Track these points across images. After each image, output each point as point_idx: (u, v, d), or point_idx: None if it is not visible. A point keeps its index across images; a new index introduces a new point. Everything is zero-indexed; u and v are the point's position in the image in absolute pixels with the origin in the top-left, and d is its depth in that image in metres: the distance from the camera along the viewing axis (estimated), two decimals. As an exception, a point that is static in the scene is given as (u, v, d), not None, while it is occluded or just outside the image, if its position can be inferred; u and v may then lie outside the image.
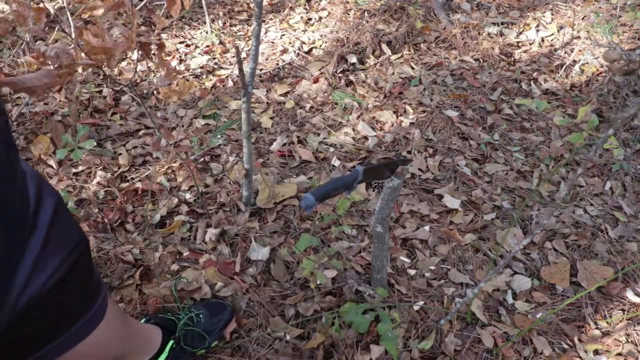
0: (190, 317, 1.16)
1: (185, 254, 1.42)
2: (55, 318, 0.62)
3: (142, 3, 1.99)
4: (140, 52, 1.05)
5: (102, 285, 0.73)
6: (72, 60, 0.84)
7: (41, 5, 0.93)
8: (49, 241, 0.56)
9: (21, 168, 0.55)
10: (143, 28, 2.51)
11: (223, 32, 2.61)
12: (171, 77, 1.09)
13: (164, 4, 2.76)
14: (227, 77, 2.27)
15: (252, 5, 2.88)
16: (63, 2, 2.19)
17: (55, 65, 0.85)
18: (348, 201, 1.50)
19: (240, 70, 1.13)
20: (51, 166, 1.66)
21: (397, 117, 2.05)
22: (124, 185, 1.63)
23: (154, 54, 1.05)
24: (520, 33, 2.71)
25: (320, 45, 2.52)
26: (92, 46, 0.90)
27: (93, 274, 0.70)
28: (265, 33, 2.64)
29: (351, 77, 2.29)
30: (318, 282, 1.34)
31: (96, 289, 0.71)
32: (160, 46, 1.07)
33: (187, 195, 1.61)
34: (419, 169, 1.80)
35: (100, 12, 0.95)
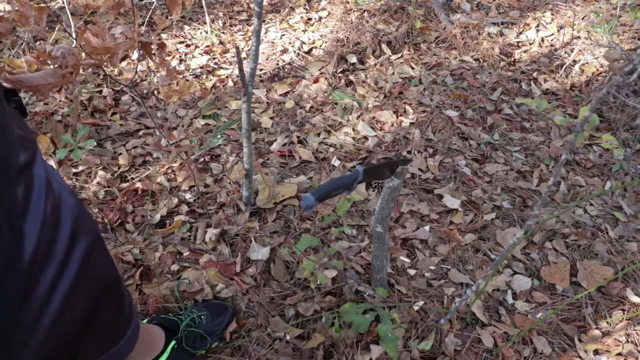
0: (192, 318, 1.17)
1: (185, 254, 1.42)
2: (83, 347, 0.63)
3: (143, 3, 1.99)
4: (140, 51, 1.05)
5: (133, 317, 0.73)
6: (77, 60, 0.84)
7: (42, 5, 0.93)
8: (79, 280, 0.56)
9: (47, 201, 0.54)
10: (144, 28, 2.51)
11: (223, 32, 2.61)
12: (172, 77, 1.09)
13: (163, 4, 2.76)
14: (227, 77, 2.27)
15: (252, 5, 2.88)
16: (63, 2, 2.19)
17: (57, 65, 0.85)
18: (348, 202, 1.50)
19: (241, 70, 1.13)
20: (51, 166, 1.66)
21: (397, 117, 2.05)
22: (124, 185, 1.63)
23: (154, 54, 1.05)
24: (520, 33, 2.71)
25: (320, 45, 2.52)
26: (94, 46, 0.90)
27: (123, 306, 0.71)
28: (265, 33, 2.64)
29: (351, 77, 2.29)
30: (318, 283, 1.34)
31: (126, 321, 0.72)
32: (161, 46, 1.07)
33: (187, 195, 1.61)
34: (419, 169, 1.80)
35: (101, 10, 0.95)
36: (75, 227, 0.57)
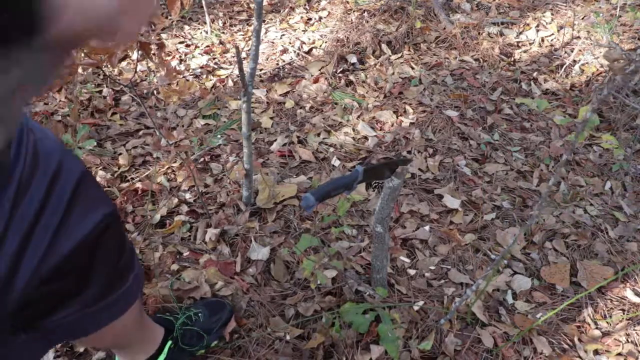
0: (188, 316, 1.17)
1: (185, 254, 1.42)
2: (83, 285, 0.63)
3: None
4: (140, 51, 1.05)
5: (134, 263, 0.74)
6: (72, 61, 0.84)
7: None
8: (71, 211, 0.57)
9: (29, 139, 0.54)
10: (143, 28, 2.51)
11: (223, 32, 2.61)
12: (171, 77, 1.09)
13: (163, 4, 2.76)
14: (227, 77, 2.27)
15: (252, 5, 2.88)
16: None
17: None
18: (348, 202, 1.50)
19: (241, 70, 1.13)
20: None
21: (397, 117, 2.05)
22: (124, 185, 1.63)
23: (154, 54, 1.05)
24: (520, 33, 2.71)
25: (320, 45, 2.52)
26: (92, 46, 0.90)
27: (125, 249, 0.71)
28: (265, 33, 2.64)
29: (351, 77, 2.29)
30: (318, 282, 1.34)
31: (129, 265, 0.72)
32: (161, 46, 1.07)
33: (187, 195, 1.61)
34: (419, 169, 1.80)
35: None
36: (59, 165, 0.57)
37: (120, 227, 0.69)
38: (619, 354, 1.24)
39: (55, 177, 0.56)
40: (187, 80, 2.23)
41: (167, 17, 2.57)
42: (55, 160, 0.57)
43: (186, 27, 2.67)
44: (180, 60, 2.37)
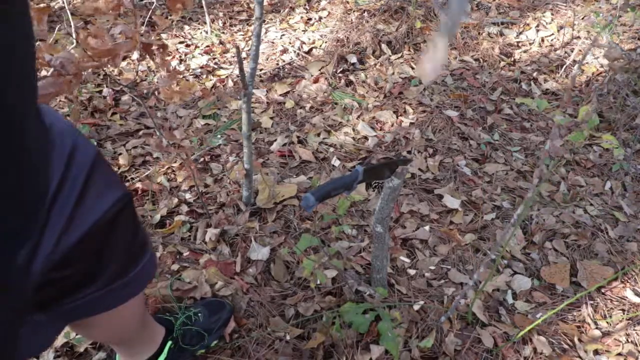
0: (188, 316, 1.17)
1: (185, 254, 1.42)
2: (100, 267, 0.64)
3: (143, 3, 1.99)
4: (141, 52, 1.05)
5: (148, 244, 0.75)
6: (77, 69, 0.84)
7: (42, 5, 0.93)
8: (86, 193, 0.57)
9: (42, 124, 0.55)
10: (144, 28, 2.51)
11: (223, 32, 2.61)
12: (173, 78, 1.09)
13: (163, 4, 2.76)
14: (227, 77, 2.27)
15: (252, 5, 2.88)
16: (63, 2, 2.19)
17: (51, 72, 0.85)
18: (348, 201, 1.50)
19: (241, 70, 1.13)
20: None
21: (397, 117, 2.05)
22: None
23: (154, 55, 1.05)
24: (520, 33, 2.71)
25: (320, 45, 2.52)
26: (95, 48, 0.90)
27: (139, 230, 0.72)
28: (265, 33, 2.64)
29: (351, 77, 2.29)
30: (318, 282, 1.34)
31: (143, 245, 0.73)
32: (163, 47, 1.07)
33: (187, 195, 1.61)
34: (419, 169, 1.80)
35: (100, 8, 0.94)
36: (73, 147, 0.57)
37: (134, 209, 0.70)
38: (619, 354, 1.24)
39: (70, 159, 0.56)
40: (187, 81, 2.23)
41: (167, 17, 2.57)
42: (69, 142, 0.57)
43: (186, 27, 2.67)
44: (180, 60, 2.37)
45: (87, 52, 0.88)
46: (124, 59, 2.32)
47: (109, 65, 0.93)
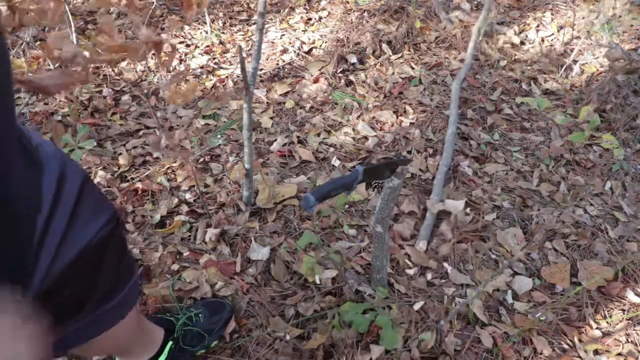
0: (189, 317, 1.17)
1: (185, 254, 1.42)
2: (89, 291, 0.63)
3: (143, 3, 1.99)
4: (149, 51, 1.04)
5: (134, 266, 0.74)
6: (87, 61, 0.84)
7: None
8: (77, 215, 0.57)
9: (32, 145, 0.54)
10: (145, 28, 2.51)
11: (223, 32, 2.61)
12: (179, 79, 1.09)
13: (163, 4, 2.76)
14: (227, 77, 2.27)
15: (252, 5, 2.88)
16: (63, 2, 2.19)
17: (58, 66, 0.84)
18: (345, 198, 1.50)
19: (243, 70, 1.13)
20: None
21: (397, 117, 2.05)
22: (124, 185, 1.63)
23: (163, 54, 1.05)
24: (520, 33, 2.71)
25: (320, 45, 2.52)
26: (109, 45, 0.89)
27: (126, 251, 0.72)
28: (266, 33, 2.64)
29: (351, 77, 2.29)
30: (317, 279, 1.34)
31: (129, 268, 0.72)
32: (172, 47, 1.06)
33: (187, 195, 1.61)
34: (419, 169, 1.80)
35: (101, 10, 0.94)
36: (62, 170, 0.57)
37: (122, 231, 0.69)
38: (619, 354, 1.24)
39: (60, 183, 0.56)
40: (187, 81, 2.23)
41: (169, 17, 2.57)
42: (56, 164, 0.57)
43: (186, 27, 2.67)
44: (181, 60, 2.37)
45: (96, 48, 0.88)
46: (124, 58, 2.31)
47: (111, 66, 0.93)
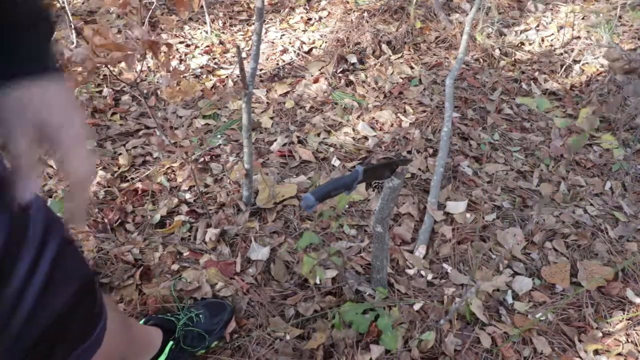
0: (189, 317, 1.16)
1: (185, 254, 1.42)
2: (57, 346, 0.62)
3: (143, 2, 1.99)
4: (146, 51, 1.05)
5: (103, 310, 0.72)
6: (94, 64, 0.84)
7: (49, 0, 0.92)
8: (51, 282, 0.55)
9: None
10: (145, 28, 2.51)
11: (223, 32, 2.61)
12: (176, 77, 1.09)
13: (163, 4, 2.76)
14: (227, 77, 2.27)
15: (252, 5, 2.88)
16: (63, 2, 2.19)
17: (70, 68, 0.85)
18: (347, 198, 1.50)
19: (242, 69, 1.13)
20: (51, 166, 1.66)
21: (397, 117, 2.05)
22: (124, 185, 1.63)
23: (160, 53, 1.05)
24: (520, 33, 2.71)
25: (320, 45, 2.52)
26: (103, 44, 0.89)
27: (96, 303, 0.70)
28: (265, 33, 2.64)
29: (351, 77, 2.29)
30: (317, 280, 1.34)
31: (98, 314, 0.71)
32: (168, 46, 1.07)
33: (187, 195, 1.61)
34: (419, 169, 1.80)
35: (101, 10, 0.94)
36: (45, 231, 0.56)
37: (96, 288, 0.68)
38: (619, 354, 1.24)
39: (42, 245, 0.54)
40: (187, 80, 2.23)
41: (172, 16, 2.57)
42: (41, 218, 0.56)
43: (186, 27, 2.67)
44: (180, 60, 2.37)
45: (94, 49, 0.88)
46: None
47: (112, 65, 0.93)
